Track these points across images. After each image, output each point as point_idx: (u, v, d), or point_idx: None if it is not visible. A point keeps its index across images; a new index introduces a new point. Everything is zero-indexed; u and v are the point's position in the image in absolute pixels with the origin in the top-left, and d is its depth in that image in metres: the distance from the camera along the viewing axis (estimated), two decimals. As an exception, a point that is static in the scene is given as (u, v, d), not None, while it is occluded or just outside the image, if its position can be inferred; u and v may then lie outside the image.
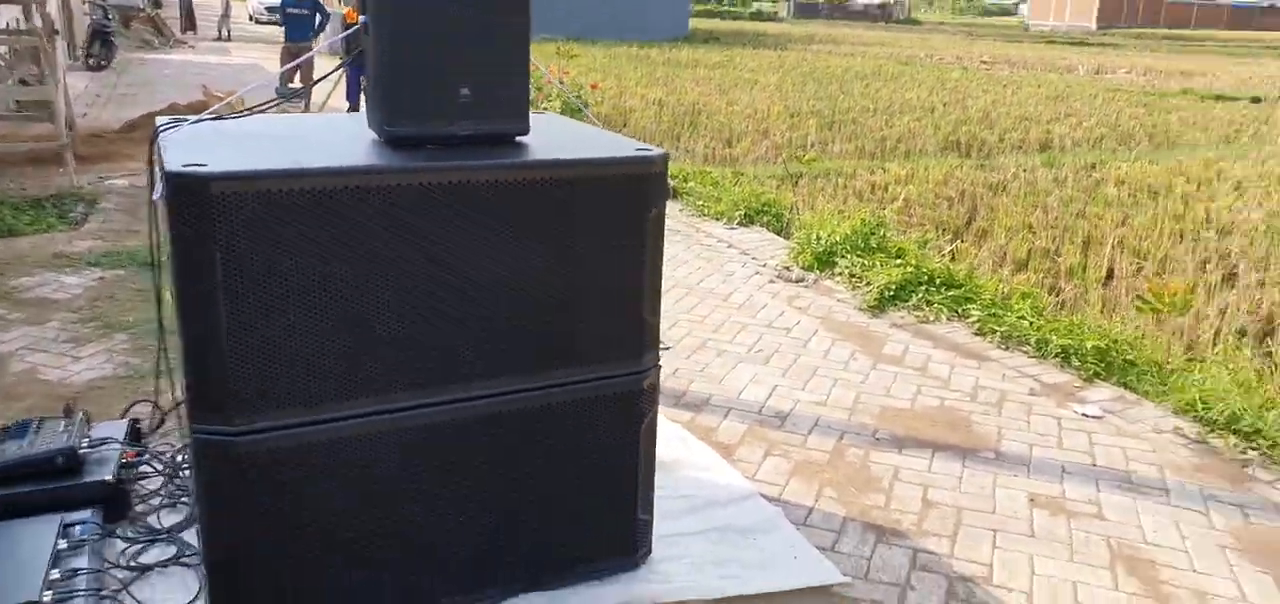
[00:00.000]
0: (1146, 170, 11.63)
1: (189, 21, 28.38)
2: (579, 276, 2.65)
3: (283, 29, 13.36)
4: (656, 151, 2.73)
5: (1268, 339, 5.90)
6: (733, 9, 67.31)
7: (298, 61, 11.75)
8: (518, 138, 2.74)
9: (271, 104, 2.70)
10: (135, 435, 3.33)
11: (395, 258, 2.41)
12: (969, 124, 14.93)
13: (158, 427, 3.52)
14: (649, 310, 2.78)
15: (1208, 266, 7.43)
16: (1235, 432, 4.05)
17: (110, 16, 18.53)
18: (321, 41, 14.04)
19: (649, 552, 2.98)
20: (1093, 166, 11.92)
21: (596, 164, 2.68)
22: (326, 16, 13.35)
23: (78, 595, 2.51)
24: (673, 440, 3.74)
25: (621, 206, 2.67)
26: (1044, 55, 35.92)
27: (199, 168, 2.20)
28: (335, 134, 2.79)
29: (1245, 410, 4.13)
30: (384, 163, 2.45)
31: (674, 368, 4.55)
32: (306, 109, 11.49)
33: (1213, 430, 4.11)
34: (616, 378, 2.77)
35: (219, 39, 26.99)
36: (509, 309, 2.57)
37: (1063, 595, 2.94)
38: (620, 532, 2.90)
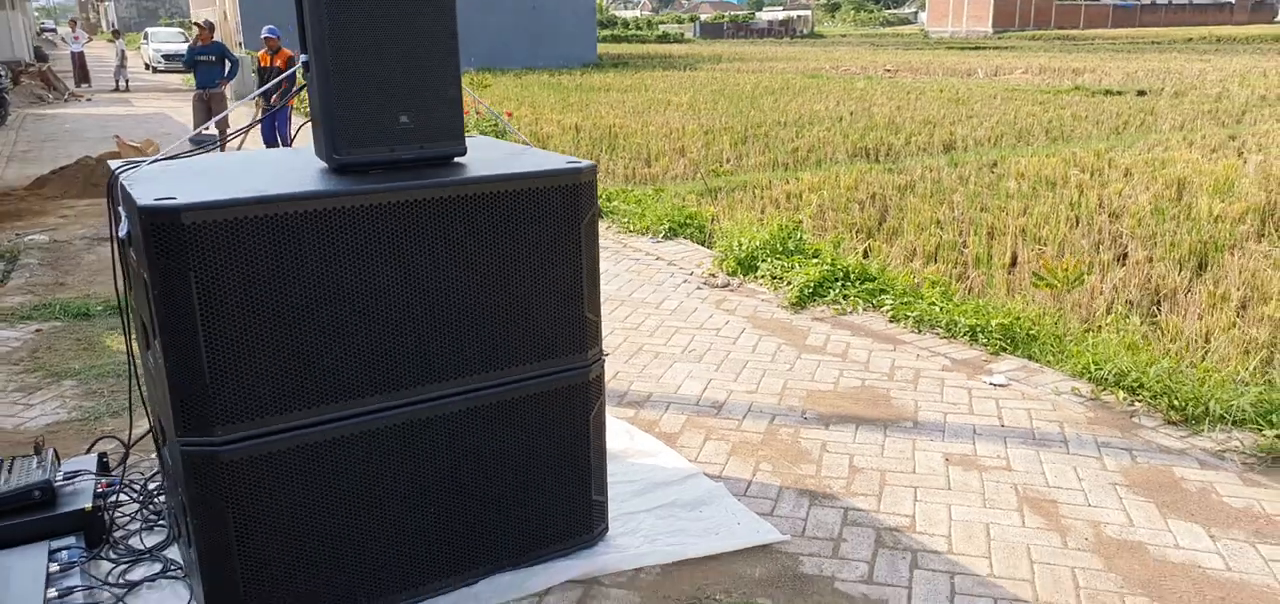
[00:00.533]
0: (1044, 163, 12.32)
1: (82, 74, 27.76)
2: (523, 280, 2.89)
3: (192, 77, 13.36)
4: (585, 163, 2.99)
5: (1155, 308, 6.43)
6: (639, 33, 68.18)
7: (223, 114, 11.75)
8: (456, 158, 2.97)
9: (188, 152, 2.81)
10: (104, 468, 3.44)
11: (355, 273, 2.63)
12: (876, 130, 15.57)
13: (123, 459, 3.63)
14: (589, 308, 3.04)
15: (1100, 248, 8.00)
16: (1123, 388, 4.48)
17: (2, 73, 18.07)
18: (229, 87, 14.03)
19: (606, 529, 3.23)
20: (994, 163, 12.56)
21: (531, 177, 2.91)
22: (235, 62, 13.42)
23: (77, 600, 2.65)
24: (619, 433, 3.99)
25: (557, 214, 2.93)
26: (944, 61, 37.39)
27: (170, 201, 2.39)
28: (287, 165, 2.99)
29: (1131, 368, 4.56)
30: (336, 187, 2.65)
31: (614, 371, 4.80)
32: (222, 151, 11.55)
33: (1104, 388, 4.53)
34: (565, 372, 3.01)
35: (117, 90, 26.46)
36: (462, 314, 2.80)
37: (977, 534, 3.27)
38: (579, 512, 3.14)
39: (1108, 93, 22.89)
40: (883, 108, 19.01)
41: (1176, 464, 3.79)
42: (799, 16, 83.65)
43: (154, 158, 3.05)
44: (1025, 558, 3.14)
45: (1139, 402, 4.37)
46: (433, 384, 2.78)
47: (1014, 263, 7.68)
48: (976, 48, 49.81)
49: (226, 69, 13.10)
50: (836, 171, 11.85)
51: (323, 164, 2.88)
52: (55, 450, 3.41)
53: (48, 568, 2.84)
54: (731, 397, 4.51)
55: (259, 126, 12.88)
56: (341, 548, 2.74)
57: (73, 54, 28.11)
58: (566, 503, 3.12)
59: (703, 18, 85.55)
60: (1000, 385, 4.61)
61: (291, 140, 11.44)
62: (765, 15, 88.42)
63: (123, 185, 2.68)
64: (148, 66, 36.50)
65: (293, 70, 3.61)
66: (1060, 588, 2.97)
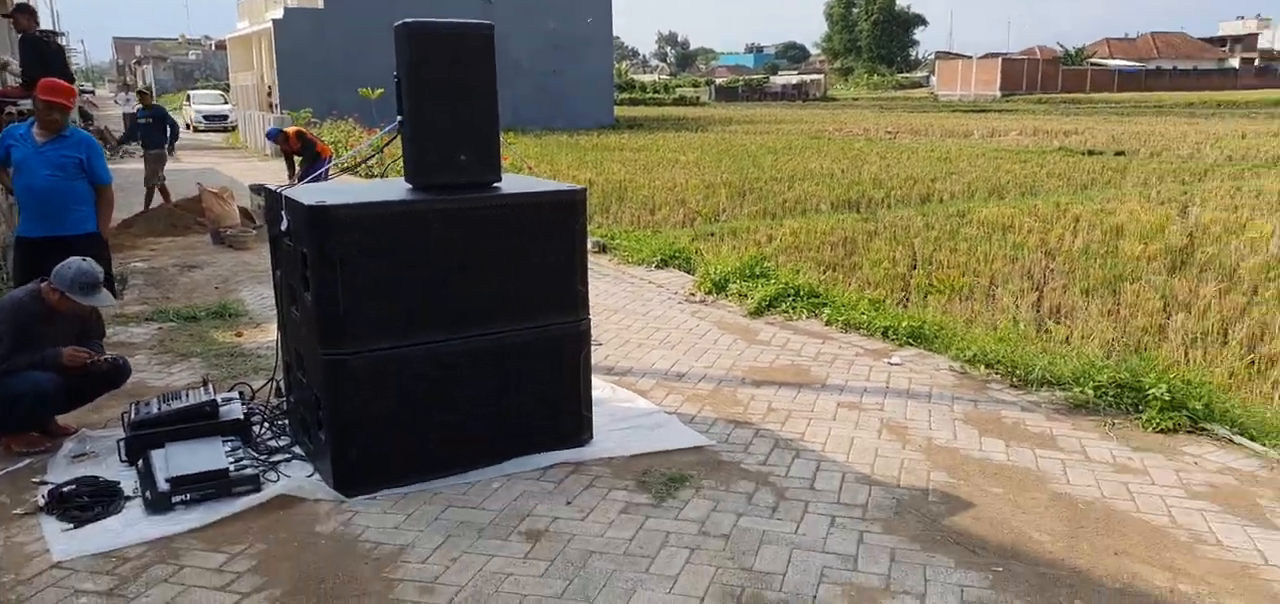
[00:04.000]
0: (1004, 212, 13.82)
1: (131, 133, 29.78)
2: (538, 262, 4.45)
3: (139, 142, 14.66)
4: (579, 186, 4.58)
5: (1050, 318, 7.90)
6: (656, 96, 70.51)
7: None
8: (495, 183, 4.55)
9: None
10: (242, 400, 4.99)
11: (429, 252, 4.19)
12: (861, 185, 17.13)
13: (250, 398, 5.19)
14: (579, 283, 4.59)
15: (1025, 277, 9.47)
16: (985, 363, 5.95)
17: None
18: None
19: (591, 437, 4.74)
20: (962, 214, 14.05)
21: (542, 195, 4.52)
22: (175, 126, 14.74)
23: (247, 464, 4.20)
24: (605, 389, 5.50)
25: (560, 219, 4.50)
26: (945, 123, 39.03)
27: (325, 203, 3.97)
28: (387, 187, 4.58)
29: (993, 351, 6.04)
30: (418, 199, 4.24)
31: (605, 354, 6.32)
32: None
33: (974, 365, 6.01)
34: (564, 323, 4.56)
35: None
36: (498, 282, 4.36)
37: (845, 441, 4.76)
38: (573, 422, 4.66)
39: (1090, 153, 24.39)
40: (873, 166, 20.60)
41: (1004, 410, 5.27)
42: (812, 80, 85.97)
43: (301, 181, 4.64)
44: (873, 453, 4.63)
45: (995, 373, 5.85)
46: (481, 325, 4.33)
47: (944, 290, 9.16)
48: (981, 111, 51.53)
49: (168, 132, 14.18)
50: (817, 220, 13.39)
51: (409, 185, 4.46)
52: (213, 386, 4.96)
53: (223, 447, 4.38)
54: (691, 370, 6.03)
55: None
56: (421, 432, 4.27)
57: (125, 115, 30.19)
58: (565, 415, 4.64)
59: (718, 81, 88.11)
60: (895, 365, 6.11)
61: None
62: (779, 79, 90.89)
63: (286, 197, 4.28)
64: (188, 126, 38.82)
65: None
66: (890, 467, 4.47)
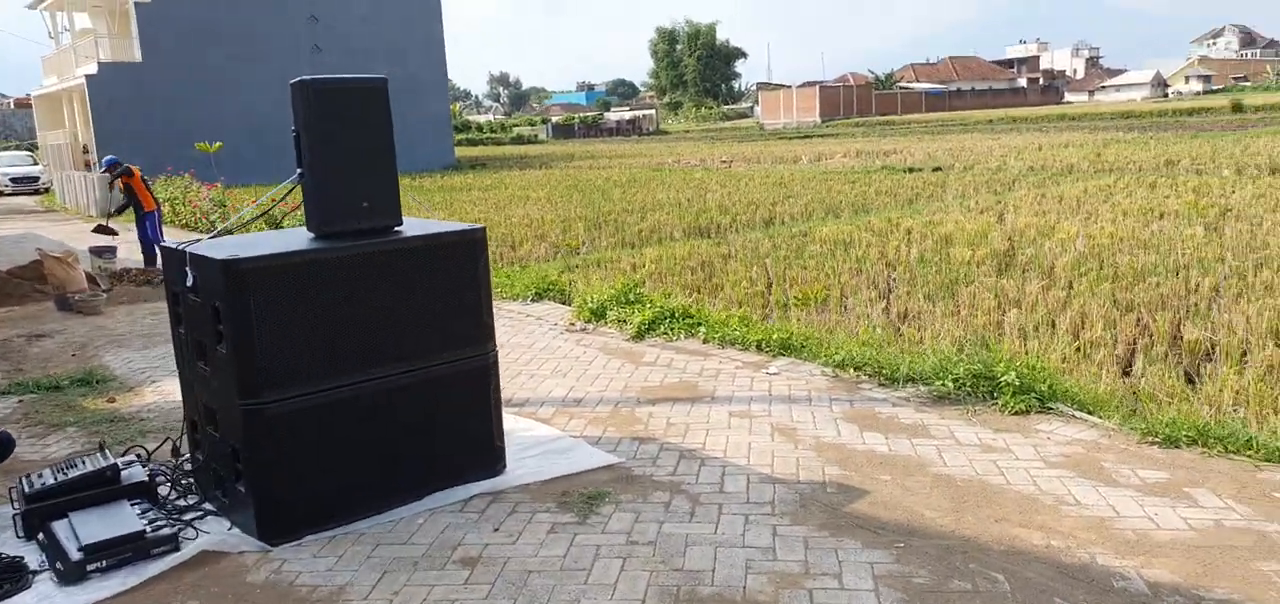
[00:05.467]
0: (842, 230, 14.75)
1: None
2: (444, 299, 4.59)
3: None
4: (479, 226, 4.75)
5: (900, 322, 8.59)
6: (494, 135, 70.43)
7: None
8: (396, 227, 4.66)
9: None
10: (142, 463, 4.85)
11: (339, 298, 4.27)
12: (708, 213, 17.84)
13: (148, 459, 5.04)
14: (486, 316, 4.75)
15: (871, 287, 10.21)
16: (853, 366, 6.48)
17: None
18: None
19: (505, 465, 4.89)
20: (804, 233, 14.89)
21: (446, 234, 4.66)
22: None
23: (162, 525, 4.12)
24: (507, 420, 5.62)
25: (463, 257, 4.66)
26: (774, 150, 40.94)
27: (238, 256, 3.99)
28: (290, 237, 4.61)
29: (860, 355, 6.58)
30: (325, 246, 4.32)
31: (502, 387, 6.45)
32: None
33: (843, 369, 6.52)
34: (473, 357, 4.70)
35: None
36: (407, 322, 4.47)
37: (743, 447, 5.11)
38: (487, 453, 4.80)
39: (910, 170, 26.22)
40: (715, 194, 21.45)
41: (877, 406, 5.77)
42: (645, 115, 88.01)
43: (208, 237, 4.59)
44: (770, 455, 5.00)
45: (863, 375, 6.38)
46: (394, 364, 4.42)
47: (807, 302, 9.78)
48: (805, 137, 54.23)
49: None
50: (674, 247, 13.91)
51: (312, 234, 4.51)
52: (109, 449, 4.80)
53: (134, 509, 4.27)
54: (587, 395, 6.26)
55: (141, 242, 14.02)
56: (339, 472, 4.31)
57: None
58: (480, 447, 4.78)
59: (554, 119, 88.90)
60: (773, 374, 6.54)
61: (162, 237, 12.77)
62: (613, 115, 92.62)
63: (190, 253, 4.26)
64: (-8, 191, 35.95)
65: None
66: (787, 464, 4.85)
